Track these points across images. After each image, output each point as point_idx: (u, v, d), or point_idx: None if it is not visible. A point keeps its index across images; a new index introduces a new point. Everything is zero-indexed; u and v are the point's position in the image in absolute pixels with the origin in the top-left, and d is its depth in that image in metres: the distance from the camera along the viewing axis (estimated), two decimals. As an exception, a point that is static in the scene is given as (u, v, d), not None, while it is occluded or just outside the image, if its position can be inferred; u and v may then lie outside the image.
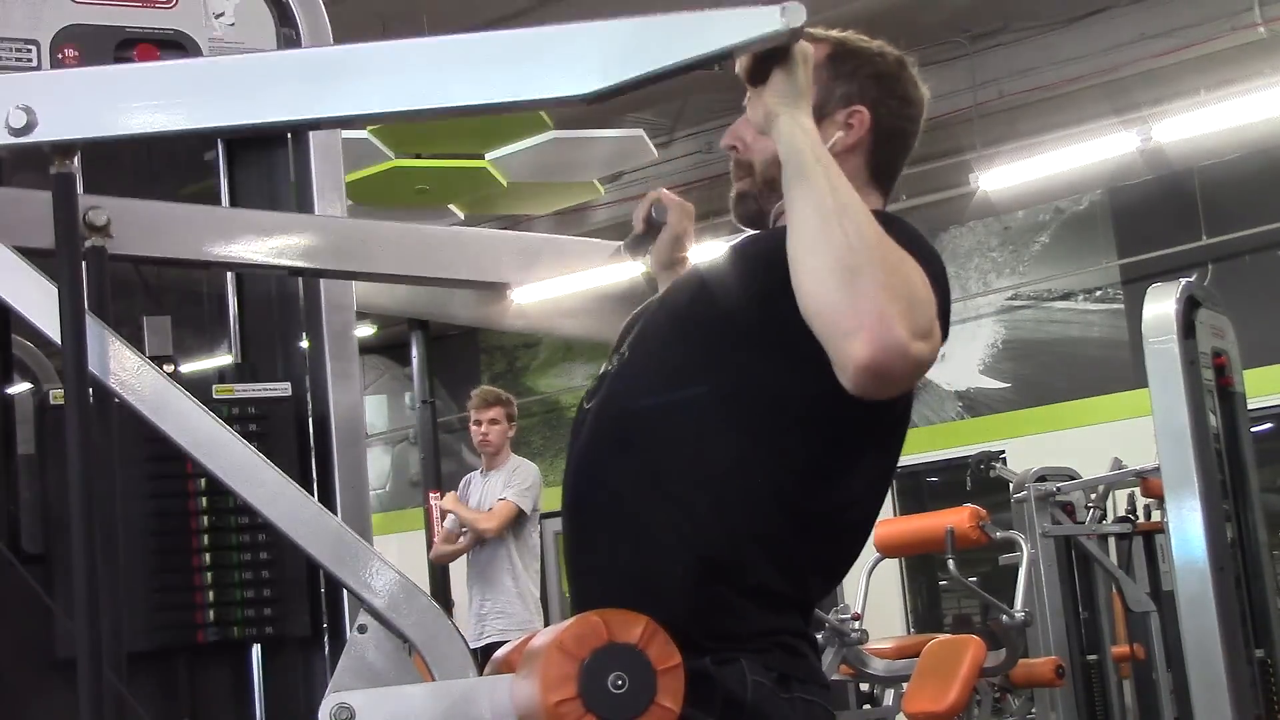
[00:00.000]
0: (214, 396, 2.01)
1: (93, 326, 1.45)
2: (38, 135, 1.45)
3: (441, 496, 6.79)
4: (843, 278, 1.44)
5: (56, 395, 1.93)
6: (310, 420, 2.08)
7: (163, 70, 1.57)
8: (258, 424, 2.02)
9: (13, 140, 1.45)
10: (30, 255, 1.55)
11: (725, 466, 1.57)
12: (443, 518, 6.33)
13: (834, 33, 1.77)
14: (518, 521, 5.97)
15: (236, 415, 2.01)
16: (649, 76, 1.43)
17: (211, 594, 1.98)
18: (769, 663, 1.54)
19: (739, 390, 1.59)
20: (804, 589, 1.61)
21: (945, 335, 1.58)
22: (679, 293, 1.75)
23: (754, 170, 1.76)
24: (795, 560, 1.59)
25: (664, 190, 2.01)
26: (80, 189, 1.53)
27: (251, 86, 1.48)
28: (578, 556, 1.70)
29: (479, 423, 6.08)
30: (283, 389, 2.06)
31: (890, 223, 1.56)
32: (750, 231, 1.80)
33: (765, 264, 1.60)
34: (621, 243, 2.03)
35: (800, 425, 1.57)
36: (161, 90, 1.48)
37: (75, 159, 1.48)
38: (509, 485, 5.98)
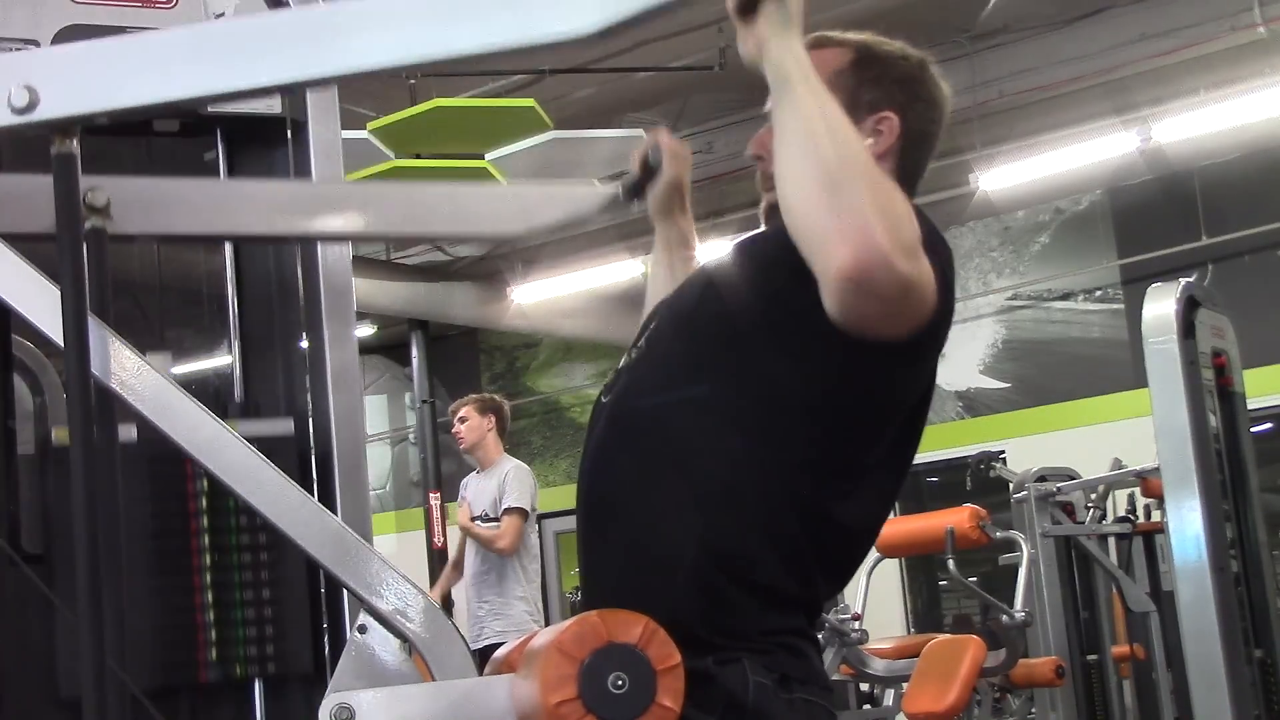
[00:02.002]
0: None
1: (94, 327, 1.45)
2: (41, 113, 1.42)
3: (441, 496, 6.83)
4: (828, 190, 1.43)
5: (60, 435, 1.90)
6: (310, 421, 2.08)
7: (163, 39, 1.54)
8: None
9: (16, 120, 1.42)
10: (23, 240, 1.52)
11: (732, 464, 1.57)
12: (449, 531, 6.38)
13: (854, 35, 1.74)
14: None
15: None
16: (649, 10, 1.37)
17: (214, 631, 1.93)
18: (771, 663, 1.54)
19: (745, 388, 1.58)
20: (811, 588, 1.61)
21: (945, 324, 1.58)
22: (689, 289, 1.75)
23: None
24: (802, 559, 1.58)
25: (662, 132, 2.00)
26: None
27: (255, 48, 1.45)
28: (589, 549, 1.70)
29: (453, 425, 6.20)
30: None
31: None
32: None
33: (770, 261, 1.59)
34: (619, 185, 2.01)
35: (807, 422, 1.57)
36: (163, 58, 1.46)
37: (75, 140, 1.47)
38: (507, 492, 6.00)
